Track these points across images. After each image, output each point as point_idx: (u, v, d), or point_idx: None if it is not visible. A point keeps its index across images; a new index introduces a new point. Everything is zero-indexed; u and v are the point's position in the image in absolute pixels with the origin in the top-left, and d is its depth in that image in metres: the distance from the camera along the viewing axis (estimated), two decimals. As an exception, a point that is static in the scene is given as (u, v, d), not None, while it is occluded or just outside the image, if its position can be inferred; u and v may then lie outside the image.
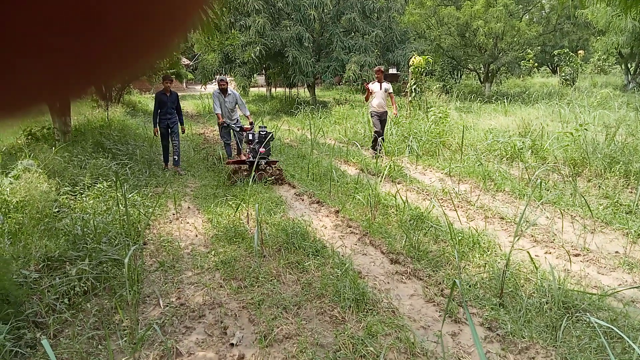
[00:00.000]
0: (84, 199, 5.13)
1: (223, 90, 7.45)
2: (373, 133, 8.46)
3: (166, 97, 7.22)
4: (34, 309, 2.96)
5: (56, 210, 4.68)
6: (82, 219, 4.27)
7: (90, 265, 3.45)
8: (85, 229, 4.05)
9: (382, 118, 8.35)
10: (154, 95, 7.62)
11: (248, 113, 7.67)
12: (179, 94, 7.66)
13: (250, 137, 6.62)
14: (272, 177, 6.46)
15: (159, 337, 2.83)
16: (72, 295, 3.21)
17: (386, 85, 8.35)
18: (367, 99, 8.61)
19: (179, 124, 7.50)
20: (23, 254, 3.53)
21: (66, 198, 5.07)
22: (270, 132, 6.64)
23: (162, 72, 9.57)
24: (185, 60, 23.87)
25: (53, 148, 6.52)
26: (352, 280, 3.40)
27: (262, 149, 6.36)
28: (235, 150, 7.98)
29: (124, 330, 2.94)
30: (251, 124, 7.34)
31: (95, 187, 5.44)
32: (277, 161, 6.88)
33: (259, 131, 6.59)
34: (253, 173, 5.19)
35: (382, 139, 8.19)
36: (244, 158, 6.85)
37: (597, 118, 8.93)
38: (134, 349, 2.68)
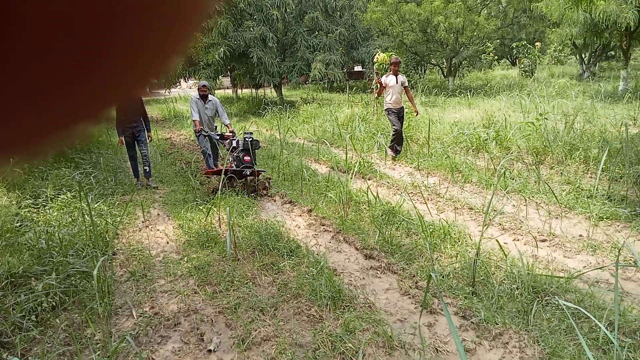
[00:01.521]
0: (48, 211, 4.95)
1: (203, 97, 6.87)
2: (392, 133, 7.76)
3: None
4: (-2, 329, 2.84)
5: (18, 224, 4.50)
6: (47, 232, 4.12)
7: (57, 280, 3.34)
8: (50, 242, 3.90)
9: (399, 115, 7.64)
10: None
11: (228, 122, 6.98)
12: (142, 98, 7.20)
13: (234, 144, 6.03)
14: (259, 188, 5.99)
15: (134, 349, 2.76)
16: (40, 311, 3.10)
17: (402, 78, 7.64)
18: (379, 94, 7.89)
19: (145, 131, 6.83)
20: (-16, 272, 3.38)
21: (28, 211, 4.88)
22: (256, 140, 6.11)
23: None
24: (147, 65, 23.30)
25: (11, 160, 6.24)
26: (327, 278, 3.40)
27: (247, 158, 5.89)
28: (217, 160, 7.29)
29: (96, 344, 2.86)
30: (232, 132, 6.71)
31: (59, 199, 5.25)
32: (263, 171, 6.33)
33: (244, 138, 6.02)
34: (222, 178, 5.08)
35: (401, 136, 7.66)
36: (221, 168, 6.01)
37: (556, 107, 9.25)
38: (107, 363, 2.61)
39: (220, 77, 19.71)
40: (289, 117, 12.88)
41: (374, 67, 12.63)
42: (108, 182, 6.60)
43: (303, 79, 21.71)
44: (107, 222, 4.78)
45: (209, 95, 6.95)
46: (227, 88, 26.98)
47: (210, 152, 7.07)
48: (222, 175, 5.06)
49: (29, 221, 4.67)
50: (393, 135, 7.67)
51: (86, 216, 4.28)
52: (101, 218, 4.82)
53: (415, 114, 7.86)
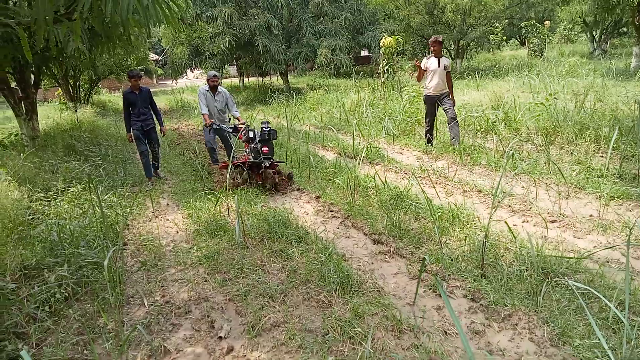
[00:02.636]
0: (58, 204, 5.02)
1: (213, 88, 6.57)
2: (426, 124, 7.21)
3: (135, 96, 6.23)
4: (13, 320, 2.90)
5: (30, 217, 4.56)
6: (58, 225, 4.17)
7: (69, 271, 3.39)
8: (61, 235, 3.96)
9: (441, 98, 6.81)
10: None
11: (238, 114, 6.73)
12: (150, 90, 6.65)
13: (251, 134, 5.71)
14: (280, 183, 5.74)
15: (146, 337, 2.81)
16: (53, 302, 3.15)
17: (445, 61, 6.79)
18: (419, 79, 7.13)
19: (156, 125, 6.58)
20: (-2, 265, 3.44)
21: (39, 204, 4.95)
22: (274, 130, 5.81)
23: (129, 69, 8.93)
24: (153, 56, 23.35)
25: (22, 154, 6.33)
26: (336, 263, 3.41)
27: (265, 149, 5.62)
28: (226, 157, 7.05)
29: (109, 333, 2.91)
30: (243, 124, 6.35)
31: (69, 191, 5.31)
32: (283, 162, 6.03)
33: (262, 127, 5.74)
34: (230, 168, 5.05)
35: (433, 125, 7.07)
36: (241, 161, 5.79)
37: (566, 87, 9.08)
38: (120, 351, 2.65)
39: (226, 66, 19.69)
40: (295, 105, 12.84)
41: (381, 52, 12.51)
42: (117, 174, 6.66)
43: (309, 65, 21.56)
44: (117, 213, 4.83)
45: (219, 87, 6.69)
46: (234, 77, 26.96)
47: (214, 146, 6.93)
48: (229, 167, 4.90)
49: (41, 214, 4.74)
50: (427, 125, 7.13)
51: (96, 208, 4.33)
52: (111, 209, 4.88)
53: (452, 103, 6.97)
